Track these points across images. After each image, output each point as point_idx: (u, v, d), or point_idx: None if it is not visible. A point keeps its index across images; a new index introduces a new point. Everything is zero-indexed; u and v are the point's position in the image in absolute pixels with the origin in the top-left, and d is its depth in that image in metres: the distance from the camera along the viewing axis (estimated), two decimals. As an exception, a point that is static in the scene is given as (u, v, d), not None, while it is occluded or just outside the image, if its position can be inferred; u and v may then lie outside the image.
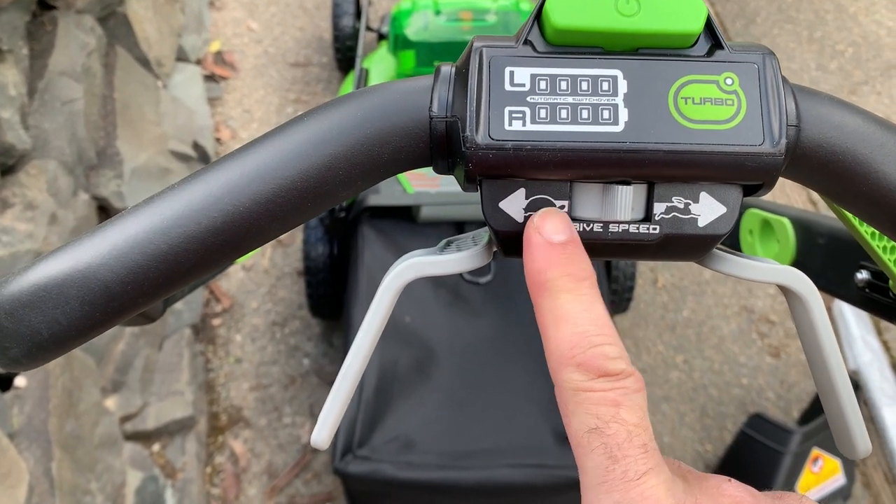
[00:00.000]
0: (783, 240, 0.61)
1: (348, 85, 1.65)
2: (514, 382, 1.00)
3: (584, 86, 0.24)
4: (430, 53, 1.35)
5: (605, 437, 0.21)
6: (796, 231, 0.59)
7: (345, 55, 1.95)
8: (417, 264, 0.28)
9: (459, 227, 1.17)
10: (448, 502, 0.98)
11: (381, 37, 1.79)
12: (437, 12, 1.38)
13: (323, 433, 0.28)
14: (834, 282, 0.53)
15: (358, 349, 0.28)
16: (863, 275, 0.48)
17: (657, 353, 1.63)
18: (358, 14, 1.95)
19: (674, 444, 1.50)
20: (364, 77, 1.48)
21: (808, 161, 0.26)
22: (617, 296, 1.48)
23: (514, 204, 0.26)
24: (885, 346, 1.65)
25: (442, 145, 0.26)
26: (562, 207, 0.26)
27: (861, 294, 0.48)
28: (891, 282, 0.42)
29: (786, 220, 0.61)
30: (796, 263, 0.59)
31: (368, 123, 0.26)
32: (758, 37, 2.30)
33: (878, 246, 0.38)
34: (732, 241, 0.68)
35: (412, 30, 1.35)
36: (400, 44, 1.38)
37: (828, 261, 0.54)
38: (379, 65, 1.61)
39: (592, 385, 0.22)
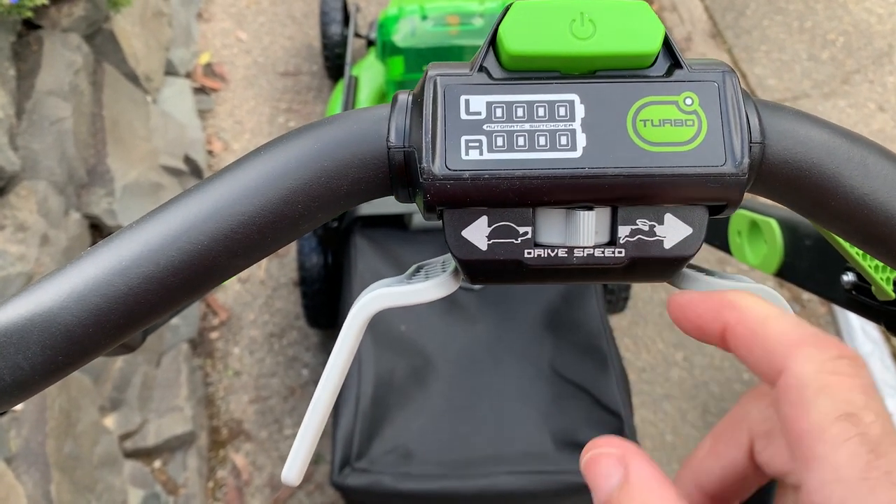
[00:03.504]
0: (771, 241, 0.60)
1: (338, 93, 1.65)
2: (512, 388, 1.00)
3: (541, 112, 0.24)
4: (419, 59, 1.35)
5: (862, 427, 0.18)
6: (784, 233, 0.59)
7: (334, 63, 1.94)
8: (383, 295, 0.27)
9: (452, 233, 1.17)
10: (449, 511, 0.97)
11: (370, 43, 1.79)
12: (424, 17, 1.37)
13: (294, 469, 0.27)
14: (822, 284, 0.53)
15: (326, 382, 0.28)
16: (849, 277, 0.47)
17: (657, 352, 1.63)
18: (346, 21, 1.94)
19: (676, 443, 1.50)
20: (354, 85, 1.48)
21: (775, 178, 0.26)
22: (613, 295, 1.48)
23: (476, 232, 0.25)
24: (886, 336, 1.65)
25: (401, 175, 0.26)
26: (525, 234, 0.25)
27: (848, 296, 0.48)
28: (873, 287, 0.41)
29: (773, 222, 0.60)
30: (784, 265, 0.59)
31: (326, 155, 0.25)
32: (748, 29, 2.30)
33: (856, 252, 0.38)
34: (721, 243, 0.68)
35: (399, 36, 1.35)
36: (388, 50, 1.37)
37: (815, 263, 0.54)
38: (368, 72, 1.61)
39: (838, 366, 0.19)
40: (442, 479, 0.91)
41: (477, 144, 0.24)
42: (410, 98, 0.26)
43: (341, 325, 1.14)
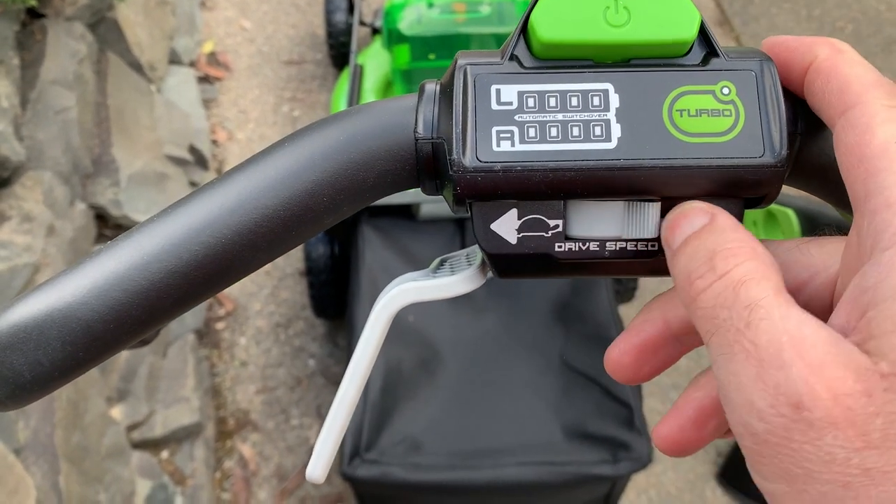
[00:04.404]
0: (787, 231, 0.59)
1: (343, 81, 1.64)
2: (521, 379, 0.99)
3: (574, 101, 0.23)
4: (425, 47, 1.33)
5: None
6: (801, 222, 0.58)
7: (339, 51, 1.93)
8: (410, 290, 0.27)
9: (459, 223, 1.16)
10: (458, 502, 0.97)
11: (375, 31, 1.78)
12: (430, 5, 1.36)
13: (319, 467, 0.27)
14: None
15: (351, 379, 0.27)
16: None
17: (664, 341, 1.62)
18: (350, 9, 1.93)
19: (684, 432, 1.50)
20: (359, 73, 1.47)
21: (812, 169, 0.25)
22: (622, 285, 1.47)
23: (506, 225, 0.25)
24: None
25: (429, 167, 0.25)
26: (556, 227, 0.25)
27: None
28: None
29: (790, 211, 0.59)
30: None
31: (352, 147, 0.25)
32: (756, 16, 2.28)
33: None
34: None
35: (405, 24, 1.34)
36: (394, 38, 1.36)
37: None
38: (373, 60, 1.60)
39: None
40: (451, 470, 0.91)
41: (508, 135, 0.23)
42: (438, 88, 0.25)
43: (348, 315, 1.14)
